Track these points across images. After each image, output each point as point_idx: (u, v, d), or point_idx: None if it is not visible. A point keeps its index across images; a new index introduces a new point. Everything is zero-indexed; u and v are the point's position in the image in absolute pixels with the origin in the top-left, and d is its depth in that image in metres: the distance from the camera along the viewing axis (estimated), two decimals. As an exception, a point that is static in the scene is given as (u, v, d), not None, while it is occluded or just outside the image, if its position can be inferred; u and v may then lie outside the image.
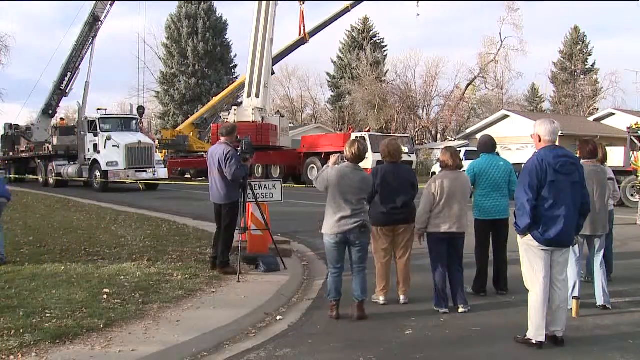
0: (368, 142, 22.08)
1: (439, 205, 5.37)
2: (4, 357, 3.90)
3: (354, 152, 5.17)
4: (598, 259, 5.65)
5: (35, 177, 26.01)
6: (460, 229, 5.41)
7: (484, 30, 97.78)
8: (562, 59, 52.68)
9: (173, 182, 24.43)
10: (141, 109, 25.62)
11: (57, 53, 60.93)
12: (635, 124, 19.60)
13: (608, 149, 8.23)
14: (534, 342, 4.36)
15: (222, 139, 6.70)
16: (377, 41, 52.39)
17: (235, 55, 48.57)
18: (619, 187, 14.90)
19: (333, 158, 5.47)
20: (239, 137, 6.92)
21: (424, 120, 50.03)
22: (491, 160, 6.01)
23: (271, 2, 26.67)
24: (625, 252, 8.50)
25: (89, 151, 21.93)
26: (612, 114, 35.33)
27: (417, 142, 44.25)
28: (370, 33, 52.53)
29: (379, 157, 5.75)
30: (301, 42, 31.54)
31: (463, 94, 49.44)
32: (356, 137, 22.12)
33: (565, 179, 4.31)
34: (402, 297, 5.70)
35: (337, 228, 5.05)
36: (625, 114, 33.20)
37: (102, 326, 4.54)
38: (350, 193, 5.07)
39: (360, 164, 5.29)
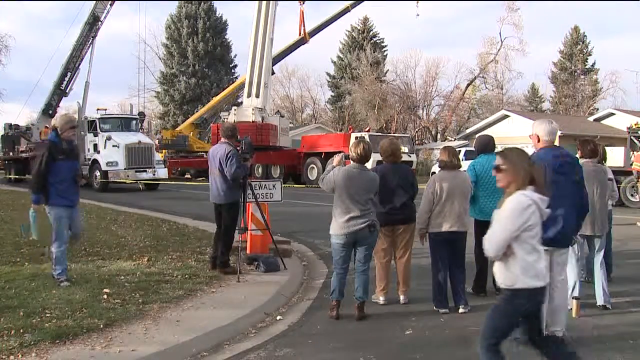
0: (368, 142, 22.03)
1: (439, 205, 5.38)
2: (4, 357, 3.90)
3: (359, 152, 5.18)
4: (598, 259, 5.64)
5: (35, 177, 25.95)
6: (461, 228, 5.42)
7: (484, 30, 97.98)
8: (562, 59, 52.67)
9: (173, 182, 24.44)
10: (142, 115, 25.60)
11: (57, 53, 61.07)
12: (635, 124, 19.63)
13: (608, 149, 8.23)
14: (534, 342, 4.36)
15: (224, 139, 6.71)
16: (377, 41, 52.37)
17: (235, 55, 48.64)
18: (619, 187, 14.96)
19: (337, 158, 5.48)
20: (239, 137, 6.92)
21: (424, 120, 50.05)
22: (491, 160, 5.99)
23: (271, 2, 26.65)
24: (625, 252, 8.50)
25: (89, 151, 21.92)
26: (612, 114, 35.32)
27: (417, 142, 44.26)
28: (370, 33, 52.52)
29: (378, 157, 5.75)
30: (301, 42, 31.53)
31: (463, 94, 49.45)
32: (357, 137, 22.13)
33: (564, 179, 4.31)
34: (402, 297, 5.70)
35: (347, 229, 5.05)
36: (625, 114, 33.19)
37: (102, 326, 4.54)
38: (358, 193, 5.08)
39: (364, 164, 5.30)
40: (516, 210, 3.11)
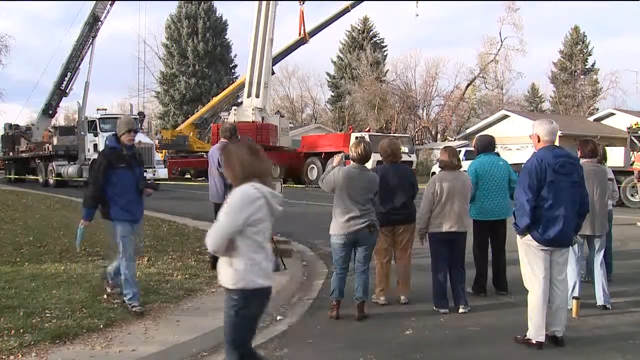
0: (368, 142, 22.05)
1: (439, 205, 5.38)
2: (4, 357, 3.90)
3: (360, 152, 5.18)
4: (598, 259, 5.65)
5: (35, 177, 25.99)
6: (461, 228, 5.42)
7: (484, 30, 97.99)
8: (562, 59, 52.65)
9: (173, 182, 24.42)
10: (141, 115, 25.59)
11: (57, 53, 61.14)
12: (635, 124, 19.69)
13: (608, 149, 8.24)
14: (534, 342, 4.36)
15: (223, 139, 6.72)
16: (377, 41, 52.38)
17: (235, 55, 48.65)
18: (619, 187, 14.97)
19: (337, 158, 5.48)
20: (239, 137, 6.92)
21: (424, 120, 50.05)
22: (491, 160, 6.02)
23: (271, 2, 26.64)
24: (625, 252, 8.50)
25: (89, 151, 21.90)
26: (612, 114, 35.31)
27: (417, 142, 44.28)
28: (370, 33, 52.52)
29: (378, 157, 5.75)
30: (301, 42, 31.53)
31: (463, 94, 49.45)
32: (356, 137, 22.15)
33: (564, 179, 4.31)
34: (402, 297, 5.70)
35: (346, 229, 5.05)
36: (625, 114, 33.18)
37: (102, 326, 4.55)
38: (358, 194, 5.08)
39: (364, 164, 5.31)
40: (243, 202, 2.89)
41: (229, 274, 2.93)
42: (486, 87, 51.61)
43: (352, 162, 5.25)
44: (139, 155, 5.45)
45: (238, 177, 3.00)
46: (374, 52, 48.42)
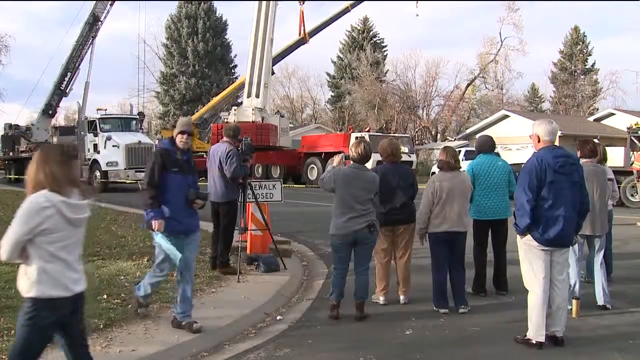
0: (368, 142, 22.05)
1: (438, 205, 5.38)
2: (4, 357, 3.90)
3: (360, 152, 5.18)
4: (598, 259, 5.65)
5: (35, 177, 25.97)
6: (460, 228, 5.42)
7: (484, 30, 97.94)
8: (562, 59, 52.64)
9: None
10: (142, 115, 25.59)
11: (57, 53, 61.13)
12: (635, 124, 19.69)
13: (608, 149, 8.24)
14: (534, 342, 4.37)
15: (225, 138, 6.72)
16: (377, 41, 52.38)
17: (235, 55, 48.64)
18: (619, 187, 14.96)
19: (337, 158, 5.49)
20: (241, 138, 6.93)
21: (424, 120, 50.03)
22: (490, 160, 6.01)
23: (271, 2, 26.64)
24: (625, 252, 8.50)
25: (89, 151, 21.92)
26: (612, 114, 35.33)
27: (417, 142, 44.26)
28: (370, 33, 52.53)
29: (378, 157, 5.76)
30: (301, 42, 31.51)
31: (463, 94, 49.42)
32: (356, 137, 22.15)
33: (564, 179, 4.31)
34: (402, 297, 5.70)
35: (346, 229, 5.06)
36: (625, 114, 33.18)
37: (102, 326, 4.55)
38: (358, 194, 5.08)
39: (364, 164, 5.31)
40: (30, 212, 2.81)
41: (22, 281, 2.90)
42: (486, 87, 51.62)
43: (352, 162, 5.25)
44: (192, 161, 4.96)
45: (30, 188, 2.88)
46: (374, 52, 48.40)
